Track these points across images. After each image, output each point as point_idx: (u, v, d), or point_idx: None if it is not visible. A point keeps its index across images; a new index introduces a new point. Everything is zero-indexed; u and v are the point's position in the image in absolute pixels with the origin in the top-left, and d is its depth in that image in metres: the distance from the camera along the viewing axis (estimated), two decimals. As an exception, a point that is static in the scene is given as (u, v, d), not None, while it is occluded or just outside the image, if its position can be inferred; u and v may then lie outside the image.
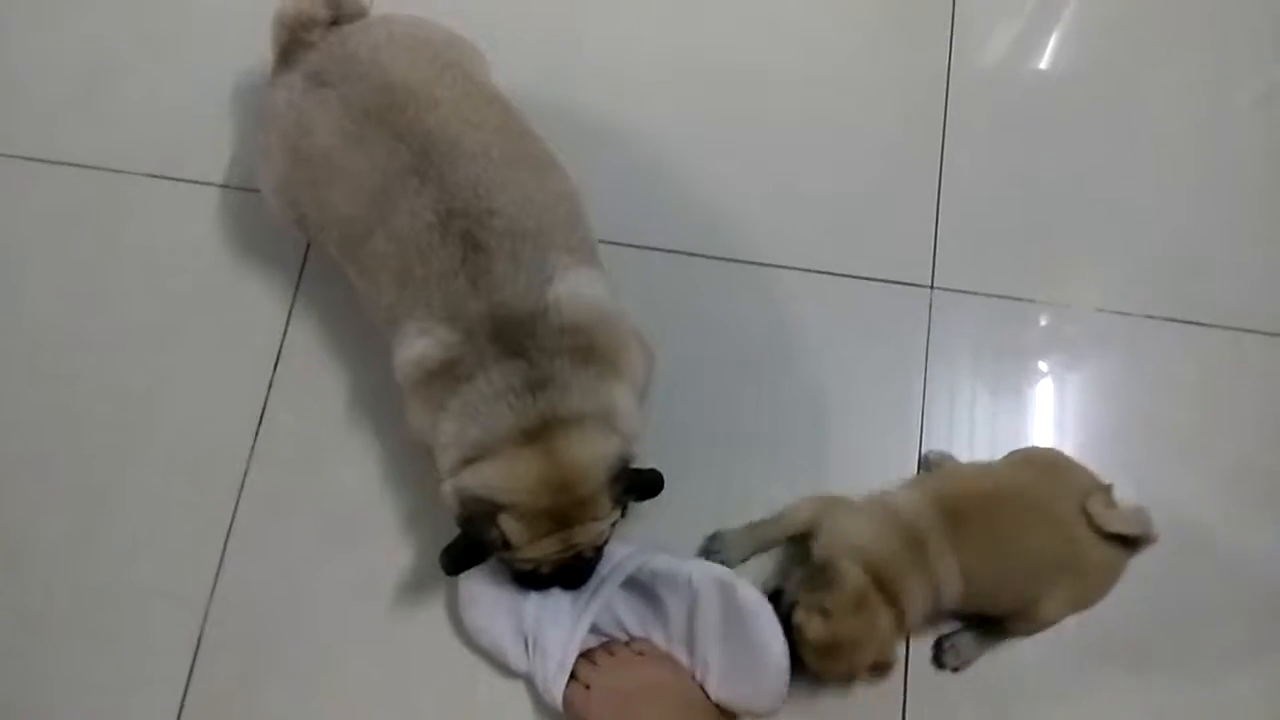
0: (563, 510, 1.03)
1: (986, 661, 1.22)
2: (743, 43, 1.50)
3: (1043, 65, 1.53)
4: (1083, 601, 1.12)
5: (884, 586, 1.07)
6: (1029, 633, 1.18)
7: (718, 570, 1.18)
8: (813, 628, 1.07)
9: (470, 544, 1.03)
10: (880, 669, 1.08)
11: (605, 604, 1.18)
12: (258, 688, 1.22)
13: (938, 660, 1.23)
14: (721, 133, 1.45)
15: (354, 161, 1.07)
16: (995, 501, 1.12)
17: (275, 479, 1.28)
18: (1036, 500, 1.11)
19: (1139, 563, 1.18)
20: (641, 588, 1.19)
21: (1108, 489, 1.11)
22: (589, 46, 1.48)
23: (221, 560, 1.25)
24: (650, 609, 1.19)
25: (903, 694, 1.22)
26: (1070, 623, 1.15)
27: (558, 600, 1.18)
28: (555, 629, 1.16)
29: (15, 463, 1.29)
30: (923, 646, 1.24)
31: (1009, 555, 1.10)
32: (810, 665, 1.10)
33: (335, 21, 1.17)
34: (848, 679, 1.11)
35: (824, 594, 1.07)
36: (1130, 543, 1.08)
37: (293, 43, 1.15)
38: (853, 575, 1.07)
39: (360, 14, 1.21)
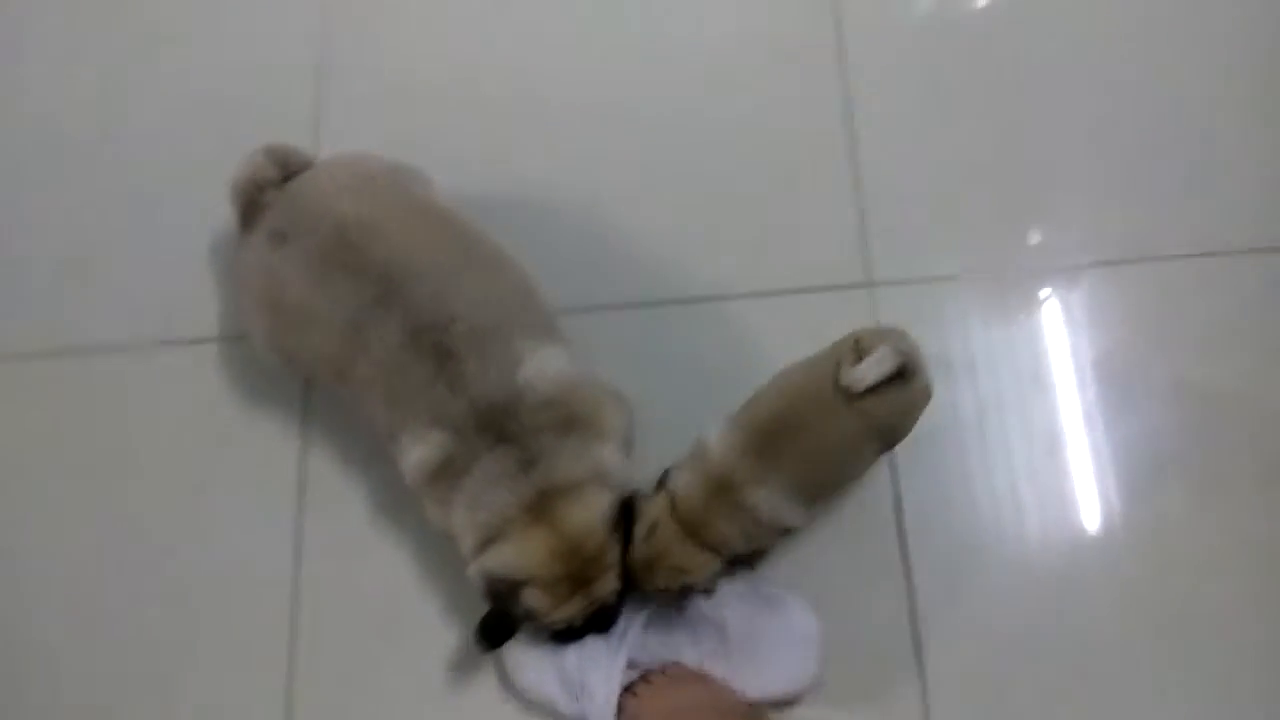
0: (578, 572, 1.15)
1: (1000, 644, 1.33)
2: (640, 99, 1.60)
3: (941, 22, 1.62)
4: (895, 441, 1.20)
5: (701, 529, 1.15)
6: None
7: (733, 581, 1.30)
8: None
9: (501, 618, 1.16)
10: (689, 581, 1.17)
11: (637, 639, 1.28)
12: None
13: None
14: (644, 181, 1.55)
15: (325, 304, 1.19)
16: (790, 415, 1.14)
17: (324, 596, 1.39)
18: (814, 390, 1.13)
19: (1109, 498, 1.36)
20: (667, 616, 1.30)
21: (854, 343, 1.13)
22: (500, 132, 1.59)
23: (290, 682, 1.36)
24: (679, 633, 1.29)
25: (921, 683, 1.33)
26: (1051, 568, 1.33)
27: (594, 645, 1.28)
28: (596, 671, 1.27)
29: (75, 634, 1.40)
30: (943, 641, 1.34)
31: (818, 453, 1.14)
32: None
33: (287, 178, 1.28)
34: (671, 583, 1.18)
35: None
36: (901, 377, 1.10)
37: (250, 206, 1.27)
38: (651, 510, 1.18)
39: (307, 166, 1.31)
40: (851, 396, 1.10)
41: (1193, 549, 1.35)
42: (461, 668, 1.35)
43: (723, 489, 1.15)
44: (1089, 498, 1.38)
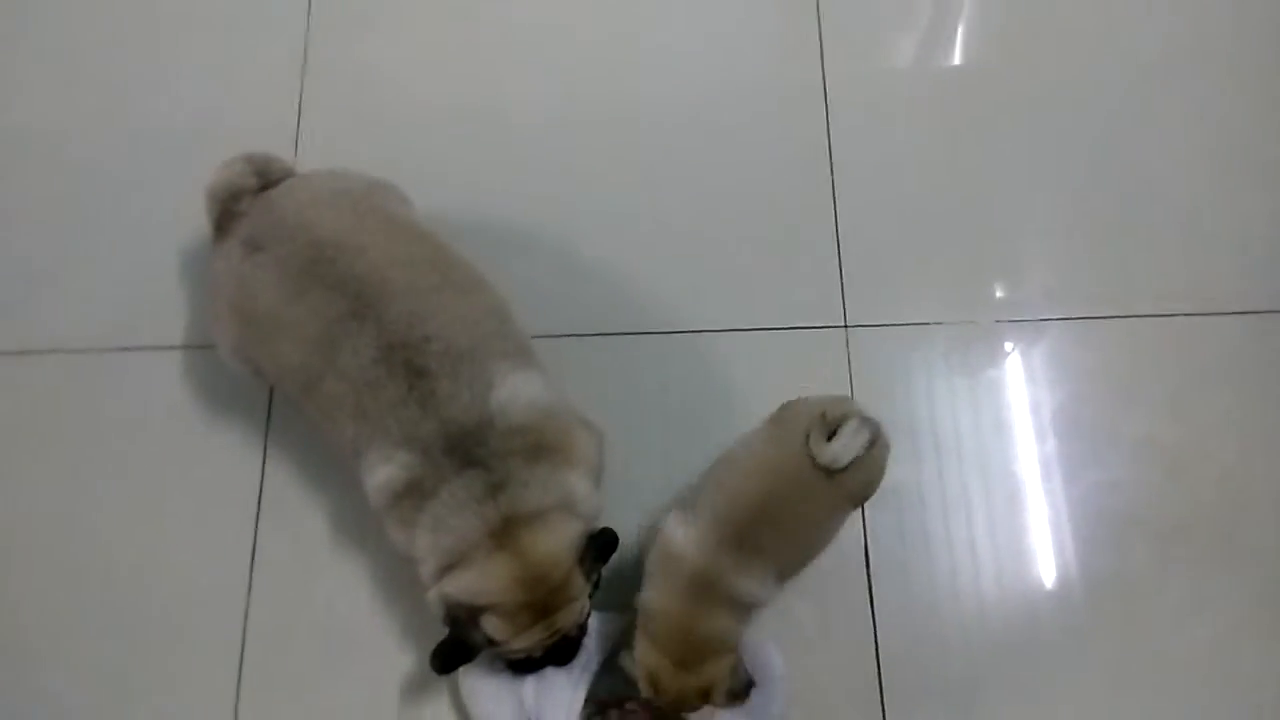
0: (541, 601, 1.13)
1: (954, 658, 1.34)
2: (628, 134, 1.61)
3: (918, 81, 1.65)
4: (867, 498, 1.24)
5: (690, 647, 1.12)
6: None
7: None
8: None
9: (458, 643, 1.13)
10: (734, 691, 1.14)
11: (597, 673, 1.26)
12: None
13: None
14: (625, 216, 1.56)
15: (296, 315, 1.17)
16: (768, 500, 1.14)
17: (277, 611, 1.37)
18: (792, 471, 1.14)
19: (1071, 548, 1.36)
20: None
21: (821, 419, 1.13)
22: (494, 167, 1.59)
23: (238, 694, 1.33)
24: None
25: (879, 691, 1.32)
26: (1014, 616, 1.34)
27: (553, 676, 1.26)
28: (554, 704, 1.25)
29: (24, 640, 1.37)
30: (897, 653, 1.33)
31: (801, 530, 1.16)
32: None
33: (265, 187, 1.26)
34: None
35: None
36: (870, 447, 1.13)
37: (225, 214, 1.25)
38: (643, 667, 1.15)
39: (287, 175, 1.30)
40: (832, 472, 1.12)
41: (1152, 602, 1.36)
42: (414, 691, 1.33)
43: (704, 588, 1.12)
44: (1049, 548, 1.39)
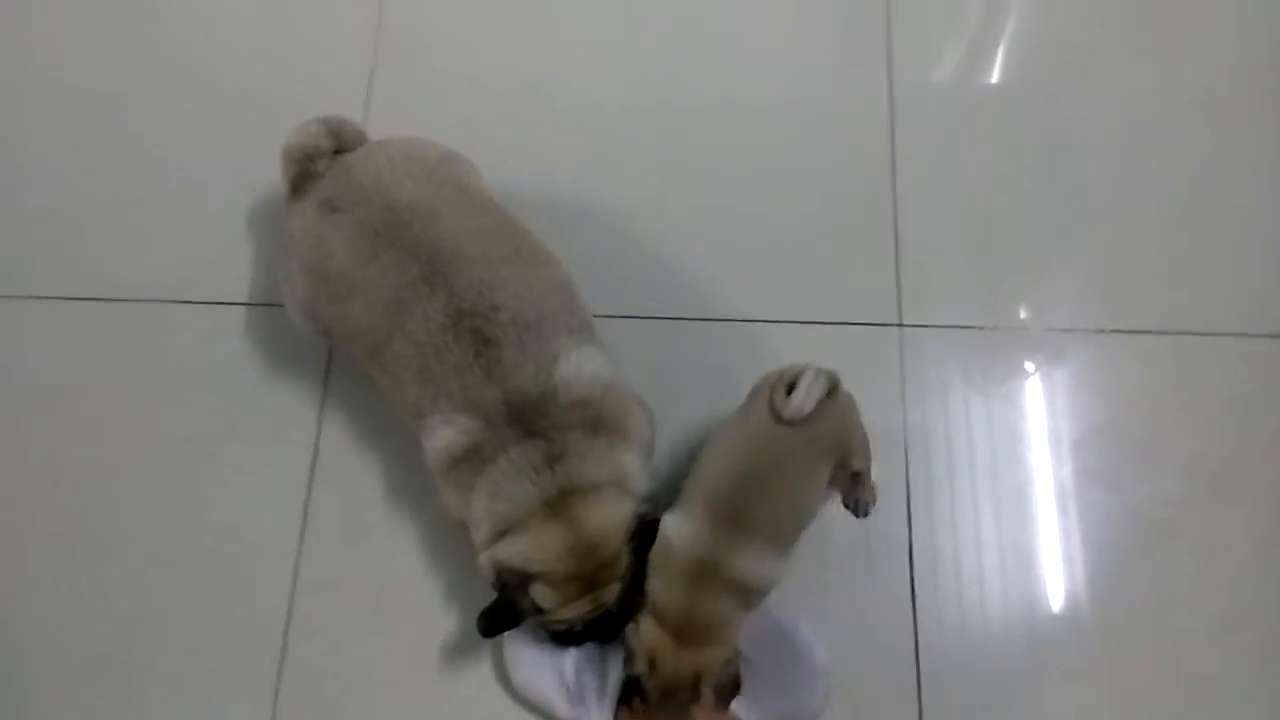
0: (589, 574, 1.15)
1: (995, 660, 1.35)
2: (697, 118, 1.63)
3: (983, 90, 1.65)
4: (863, 454, 1.27)
5: (693, 628, 1.14)
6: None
7: None
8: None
9: (504, 607, 1.16)
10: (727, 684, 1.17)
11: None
12: (329, 763, 1.33)
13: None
14: (688, 202, 1.57)
15: (369, 277, 1.19)
16: (744, 472, 1.15)
17: (325, 566, 1.40)
18: (764, 439, 1.15)
19: (1111, 558, 1.37)
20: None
21: (779, 378, 1.15)
22: (563, 145, 1.61)
23: (284, 646, 1.36)
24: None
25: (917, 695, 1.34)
26: (1055, 619, 1.35)
27: (595, 651, 1.29)
28: (594, 678, 1.27)
29: (76, 577, 1.41)
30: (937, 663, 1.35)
31: (786, 495, 1.16)
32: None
33: (338, 150, 1.29)
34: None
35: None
36: (829, 394, 1.14)
37: (302, 174, 1.28)
38: (643, 643, 1.16)
39: (360, 141, 1.33)
40: (797, 425, 1.12)
41: (1189, 617, 1.37)
42: (456, 653, 1.35)
43: (703, 574, 1.13)
44: (1091, 556, 1.40)
